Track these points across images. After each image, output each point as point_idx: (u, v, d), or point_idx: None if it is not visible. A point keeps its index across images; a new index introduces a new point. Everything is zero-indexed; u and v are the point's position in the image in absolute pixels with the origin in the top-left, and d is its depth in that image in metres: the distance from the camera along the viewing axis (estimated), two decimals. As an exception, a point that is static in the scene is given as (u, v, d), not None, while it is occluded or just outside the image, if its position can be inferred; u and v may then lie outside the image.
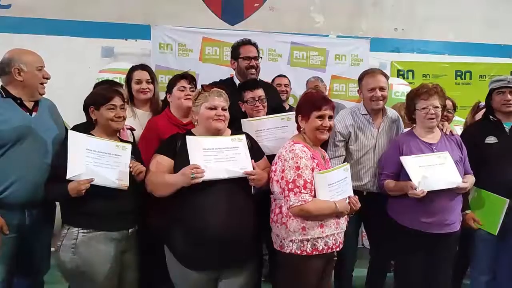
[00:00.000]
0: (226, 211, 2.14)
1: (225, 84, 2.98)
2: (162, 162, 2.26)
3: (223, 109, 2.30)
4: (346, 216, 2.33)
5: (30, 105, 2.41)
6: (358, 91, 2.99)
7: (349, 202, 2.26)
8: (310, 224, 2.18)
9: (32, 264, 2.48)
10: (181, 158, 2.20)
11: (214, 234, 2.10)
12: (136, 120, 2.89)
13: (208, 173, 2.12)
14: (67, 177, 2.06)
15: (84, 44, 5.25)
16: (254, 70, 3.15)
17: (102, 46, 5.17)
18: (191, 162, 2.13)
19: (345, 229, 2.34)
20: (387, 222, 2.73)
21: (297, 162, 2.17)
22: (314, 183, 2.18)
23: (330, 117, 2.33)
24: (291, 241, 2.19)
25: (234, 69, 3.27)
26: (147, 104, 3.00)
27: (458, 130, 3.17)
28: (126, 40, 5.45)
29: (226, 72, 4.36)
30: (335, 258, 2.39)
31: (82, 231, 2.13)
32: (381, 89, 2.82)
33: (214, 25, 5.61)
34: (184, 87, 2.71)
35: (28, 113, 2.38)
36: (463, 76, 6.40)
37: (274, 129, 2.66)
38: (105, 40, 5.29)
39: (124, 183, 2.18)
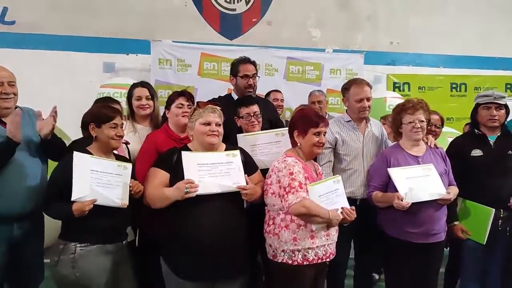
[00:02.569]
0: (218, 223, 2.23)
1: (223, 100, 3.10)
2: (158, 175, 2.35)
3: (217, 125, 2.38)
4: (337, 227, 2.42)
5: (9, 120, 2.44)
6: (343, 99, 3.11)
7: (342, 212, 2.34)
8: (301, 235, 2.29)
9: (24, 275, 2.53)
10: (176, 172, 2.29)
11: (207, 246, 2.19)
12: (136, 135, 2.99)
13: (202, 188, 2.22)
14: (72, 198, 2.13)
15: (86, 59, 5.39)
16: (251, 89, 3.26)
17: (103, 61, 5.30)
18: (185, 177, 2.23)
19: (336, 240, 2.43)
20: (376, 232, 2.82)
21: (290, 169, 2.30)
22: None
23: (324, 134, 2.45)
24: (282, 251, 2.30)
25: (233, 85, 3.37)
26: (147, 120, 3.11)
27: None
28: (128, 54, 5.60)
29: (224, 86, 4.49)
30: (327, 269, 2.49)
31: (79, 245, 2.19)
32: (368, 99, 2.97)
33: (212, 40, 5.76)
34: (182, 104, 2.81)
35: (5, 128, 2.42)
36: (458, 88, 6.51)
37: (268, 144, 2.76)
38: (106, 55, 5.43)
39: (125, 201, 2.26)
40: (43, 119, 2.49)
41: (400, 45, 6.43)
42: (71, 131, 3.61)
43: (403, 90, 6.30)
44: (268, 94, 4.50)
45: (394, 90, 6.17)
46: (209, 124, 2.37)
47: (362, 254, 3.11)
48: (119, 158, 2.44)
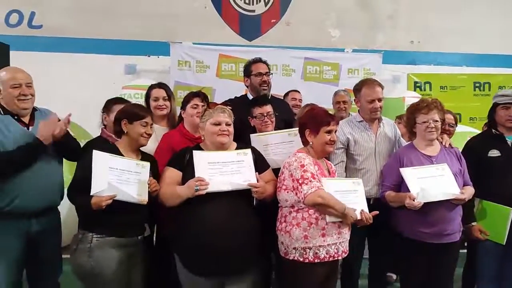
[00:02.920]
0: (228, 220, 2.28)
1: (239, 100, 3.14)
2: (171, 174, 2.42)
3: (227, 125, 2.44)
4: (349, 226, 2.44)
5: (26, 119, 2.54)
6: (355, 100, 3.11)
7: (361, 214, 2.38)
8: (312, 233, 2.32)
9: (42, 269, 2.62)
10: (189, 171, 2.36)
11: (217, 243, 2.24)
12: (154, 134, 3.08)
13: (213, 186, 2.28)
14: (91, 193, 2.23)
15: (109, 61, 5.55)
16: (266, 85, 3.33)
17: (125, 63, 5.45)
18: (196, 175, 2.29)
19: (348, 238, 2.45)
20: (389, 231, 2.82)
21: (301, 162, 2.36)
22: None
23: (335, 132, 2.50)
24: (294, 248, 2.33)
25: (247, 86, 3.44)
26: (164, 120, 3.19)
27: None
28: (149, 56, 5.73)
29: (241, 87, 4.49)
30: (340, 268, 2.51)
31: (96, 236, 2.30)
32: (379, 100, 2.97)
33: (232, 41, 5.85)
34: (196, 105, 2.86)
35: (25, 128, 2.52)
36: (481, 88, 6.40)
37: (281, 144, 2.79)
38: (128, 57, 5.58)
39: (144, 198, 2.33)
40: (59, 120, 2.58)
41: (421, 44, 6.37)
42: (95, 131, 3.73)
43: (424, 90, 6.23)
44: (286, 94, 4.53)
45: (415, 90, 6.11)
46: (219, 124, 2.42)
47: (376, 253, 3.10)
48: (144, 157, 2.53)
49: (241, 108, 2.86)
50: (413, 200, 2.53)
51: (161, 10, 5.81)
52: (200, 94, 2.94)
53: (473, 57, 6.40)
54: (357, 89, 3.05)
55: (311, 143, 2.48)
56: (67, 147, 2.62)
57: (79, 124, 4.78)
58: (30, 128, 2.54)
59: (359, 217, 2.36)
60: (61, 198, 2.64)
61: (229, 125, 2.46)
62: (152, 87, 3.24)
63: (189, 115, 2.88)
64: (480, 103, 6.33)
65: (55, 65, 5.40)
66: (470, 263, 3.18)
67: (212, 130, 2.43)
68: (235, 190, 2.32)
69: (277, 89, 4.38)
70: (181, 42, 5.42)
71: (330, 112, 2.59)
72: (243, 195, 2.35)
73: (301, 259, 2.32)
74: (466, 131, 4.41)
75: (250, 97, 3.37)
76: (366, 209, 2.42)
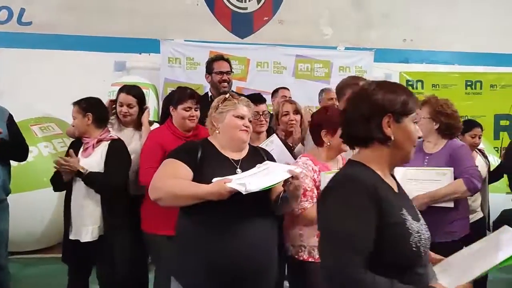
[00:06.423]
0: (256, 239, 1.96)
1: (201, 99, 2.91)
2: (181, 169, 2.00)
3: (249, 120, 2.15)
4: None
5: None
6: (339, 101, 3.03)
7: None
8: (307, 232, 2.29)
9: None
10: (201, 172, 1.99)
11: (240, 272, 1.93)
12: (125, 137, 2.91)
13: (252, 185, 1.85)
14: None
15: (98, 58, 5.50)
16: (226, 83, 3.36)
17: (114, 60, 5.41)
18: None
19: None
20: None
21: None
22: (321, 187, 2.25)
23: None
24: (292, 245, 2.35)
25: (208, 83, 3.46)
26: (131, 124, 3.03)
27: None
28: (140, 54, 5.69)
29: (233, 84, 4.52)
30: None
31: None
32: None
33: (224, 39, 5.83)
34: (190, 107, 2.66)
35: None
36: (473, 86, 6.40)
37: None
38: (119, 55, 5.54)
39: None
40: None
41: (414, 43, 6.38)
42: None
43: (416, 88, 6.22)
44: (276, 91, 4.48)
45: (407, 89, 6.11)
46: (243, 118, 2.10)
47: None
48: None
49: (202, 107, 2.67)
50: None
51: (153, 8, 5.77)
52: (194, 96, 2.71)
53: (465, 55, 6.41)
54: (340, 91, 2.93)
55: (328, 143, 2.38)
56: (3, 151, 2.87)
57: (68, 122, 4.73)
58: None
59: None
60: (6, 194, 2.97)
61: (250, 121, 2.16)
62: (120, 90, 3.00)
63: (180, 117, 2.67)
64: (472, 101, 6.34)
65: (45, 62, 5.34)
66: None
67: (235, 123, 2.08)
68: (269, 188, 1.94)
69: (268, 86, 4.37)
70: (173, 39, 5.38)
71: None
72: (263, 210, 2.03)
73: (296, 256, 2.32)
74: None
75: (210, 94, 3.42)
76: None
